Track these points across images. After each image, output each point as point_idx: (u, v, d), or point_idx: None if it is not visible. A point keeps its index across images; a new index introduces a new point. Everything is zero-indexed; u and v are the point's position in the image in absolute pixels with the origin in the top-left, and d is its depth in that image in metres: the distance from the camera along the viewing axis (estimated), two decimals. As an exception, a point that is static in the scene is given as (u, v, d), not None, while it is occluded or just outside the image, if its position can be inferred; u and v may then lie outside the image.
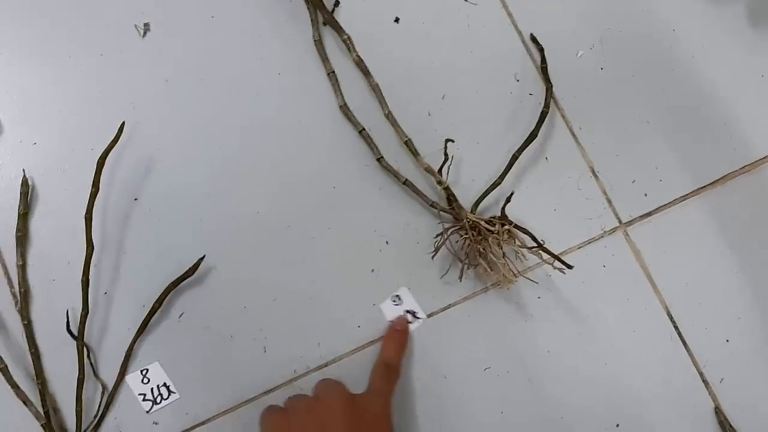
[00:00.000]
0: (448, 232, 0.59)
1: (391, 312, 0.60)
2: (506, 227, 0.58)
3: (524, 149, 0.62)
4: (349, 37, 0.63)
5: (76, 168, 0.59)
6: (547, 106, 0.63)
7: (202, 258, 0.58)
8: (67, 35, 0.61)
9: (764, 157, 0.66)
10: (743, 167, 0.66)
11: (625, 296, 0.63)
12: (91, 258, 0.55)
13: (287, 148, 0.62)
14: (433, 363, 0.60)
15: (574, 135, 0.65)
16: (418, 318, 0.60)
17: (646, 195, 0.64)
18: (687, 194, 0.65)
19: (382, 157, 0.61)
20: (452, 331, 0.61)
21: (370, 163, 0.62)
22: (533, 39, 0.66)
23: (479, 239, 0.58)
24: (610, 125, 0.65)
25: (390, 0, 0.65)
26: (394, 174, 0.61)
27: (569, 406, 0.61)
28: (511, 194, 0.60)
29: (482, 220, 0.58)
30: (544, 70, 0.65)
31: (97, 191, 0.55)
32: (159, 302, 0.57)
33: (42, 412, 0.55)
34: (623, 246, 0.63)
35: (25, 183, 0.57)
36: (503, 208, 0.59)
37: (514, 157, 0.61)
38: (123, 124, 0.56)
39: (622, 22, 0.68)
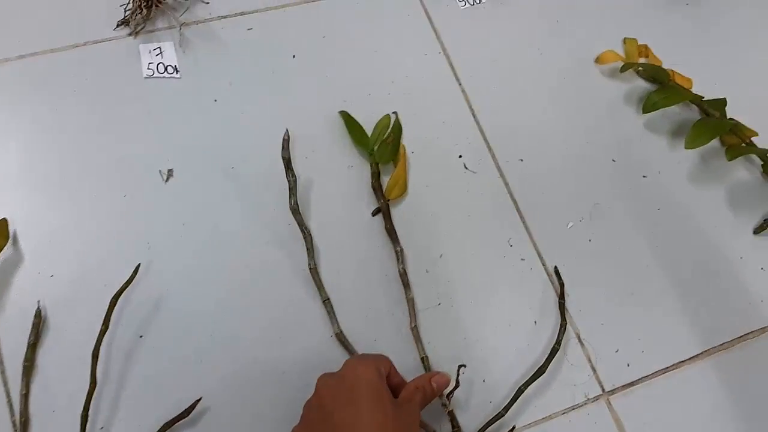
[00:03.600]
0: None
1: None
2: None
3: (531, 383, 0.63)
4: (401, 250, 0.67)
5: (88, 302, 0.62)
6: (558, 343, 0.65)
7: (199, 400, 0.59)
8: (96, 175, 0.66)
9: (742, 336, 0.69)
10: (722, 344, 0.69)
11: (606, 466, 0.64)
12: (92, 395, 0.57)
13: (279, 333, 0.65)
14: None
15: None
16: None
17: (628, 365, 0.67)
18: (667, 367, 0.68)
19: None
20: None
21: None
22: (556, 272, 0.69)
23: None
24: (596, 294, 0.69)
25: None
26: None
27: None
28: (513, 429, 0.62)
29: None
30: (561, 305, 0.68)
31: (107, 329, 0.58)
32: (152, 441, 0.58)
33: None
34: (606, 415, 0.65)
35: (38, 314, 0.60)
36: None
37: (520, 391, 0.63)
38: (138, 266, 0.60)
39: (610, 198, 0.73)
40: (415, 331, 0.65)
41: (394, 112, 0.74)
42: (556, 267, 0.70)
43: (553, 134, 0.76)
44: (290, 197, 0.66)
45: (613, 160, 0.76)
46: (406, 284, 0.67)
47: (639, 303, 0.70)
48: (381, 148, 0.72)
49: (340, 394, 0.52)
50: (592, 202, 0.73)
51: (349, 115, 0.72)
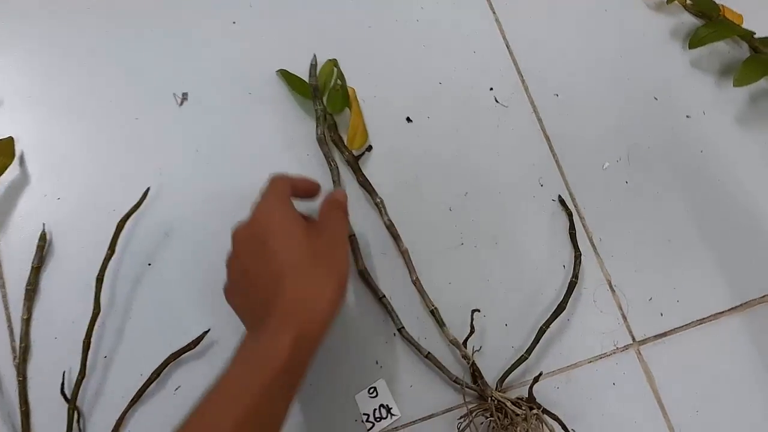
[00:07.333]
0: (473, 414, 0.56)
1: (366, 405, 0.58)
2: (534, 412, 0.55)
3: (552, 322, 0.60)
4: (381, 201, 0.62)
5: (95, 227, 0.59)
6: (575, 276, 0.62)
7: (207, 331, 0.57)
8: (107, 96, 0.63)
9: (786, 288, 0.65)
10: (762, 297, 0.64)
11: (633, 418, 0.61)
12: (96, 321, 0.55)
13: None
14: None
15: (593, 245, 0.65)
16: (393, 415, 0.58)
17: (662, 315, 0.63)
18: (704, 318, 0.64)
19: (403, 328, 0.59)
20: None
21: (388, 335, 0.60)
22: (561, 202, 0.65)
23: (506, 424, 0.55)
24: (631, 240, 0.65)
25: (430, 93, 0.67)
26: (415, 346, 0.59)
27: None
28: (539, 374, 0.57)
29: (508, 400, 0.56)
30: (572, 236, 0.64)
31: (113, 254, 0.55)
32: (157, 373, 0.56)
33: (23, 473, 0.53)
34: (635, 365, 0.62)
35: (42, 237, 0.58)
36: (530, 389, 0.57)
37: (542, 331, 0.60)
38: (147, 190, 0.57)
39: (650, 139, 0.69)
40: (417, 283, 0.61)
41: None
42: (560, 196, 0.65)
43: (592, 69, 0.71)
44: (317, 126, 0.62)
45: (655, 98, 0.70)
46: (396, 236, 0.62)
47: (676, 250, 0.65)
48: (331, 96, 0.64)
49: (251, 245, 0.49)
50: (630, 141, 0.68)
51: (286, 71, 0.64)
